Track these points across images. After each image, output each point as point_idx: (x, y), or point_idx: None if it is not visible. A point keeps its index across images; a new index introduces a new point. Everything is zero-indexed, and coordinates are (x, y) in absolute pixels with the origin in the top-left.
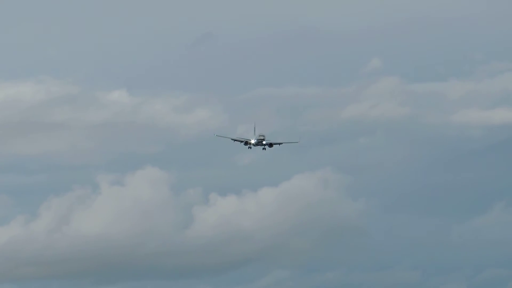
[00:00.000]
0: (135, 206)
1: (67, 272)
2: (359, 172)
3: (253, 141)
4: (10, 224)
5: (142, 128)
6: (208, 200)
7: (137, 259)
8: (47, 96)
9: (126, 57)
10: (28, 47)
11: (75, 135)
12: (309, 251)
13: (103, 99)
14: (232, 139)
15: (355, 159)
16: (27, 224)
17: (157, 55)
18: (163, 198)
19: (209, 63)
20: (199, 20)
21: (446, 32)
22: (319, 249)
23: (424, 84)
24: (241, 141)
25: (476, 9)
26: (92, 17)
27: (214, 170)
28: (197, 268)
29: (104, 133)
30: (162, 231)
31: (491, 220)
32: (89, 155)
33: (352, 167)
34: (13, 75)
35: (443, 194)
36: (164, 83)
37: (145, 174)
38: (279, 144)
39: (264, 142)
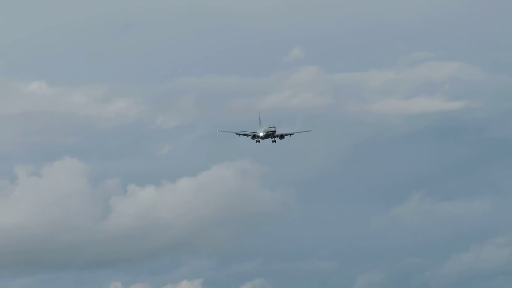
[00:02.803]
0: (53, 197)
1: None
2: (277, 162)
3: (261, 134)
4: None
5: (61, 119)
6: (127, 191)
7: (55, 250)
8: None
9: (46, 48)
10: None
11: None
12: (228, 241)
13: (22, 90)
14: (236, 133)
15: (274, 149)
16: None
17: (76, 46)
18: (81, 189)
19: (129, 54)
20: (119, 11)
21: (367, 22)
22: (237, 238)
23: (345, 73)
24: (248, 135)
25: (397, 0)
26: (12, 8)
27: (133, 161)
28: (115, 258)
29: (23, 124)
30: (80, 221)
31: (409, 209)
32: (7, 145)
33: (271, 157)
34: None
35: (362, 183)
36: (84, 74)
37: (63, 165)
38: (290, 134)
39: (275, 134)
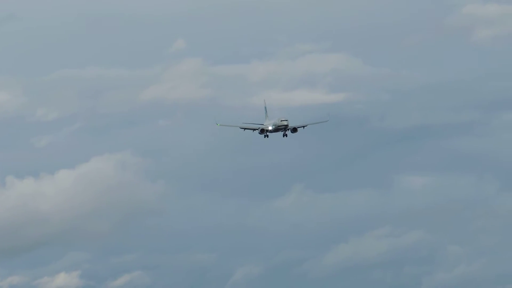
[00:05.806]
0: None
1: None
2: (158, 155)
3: (270, 128)
4: None
5: None
6: (5, 183)
7: None
8: None
9: None
10: None
11: None
12: (107, 234)
13: None
14: (241, 128)
15: (154, 142)
16: None
17: None
18: None
19: (9, 45)
20: (0, 1)
21: (248, 14)
22: (117, 231)
23: (227, 66)
24: (254, 129)
25: None
26: None
27: (12, 152)
28: None
29: None
30: None
31: (289, 201)
32: None
33: (151, 149)
34: None
35: (242, 177)
36: None
37: None
38: (304, 127)
39: (288, 128)
